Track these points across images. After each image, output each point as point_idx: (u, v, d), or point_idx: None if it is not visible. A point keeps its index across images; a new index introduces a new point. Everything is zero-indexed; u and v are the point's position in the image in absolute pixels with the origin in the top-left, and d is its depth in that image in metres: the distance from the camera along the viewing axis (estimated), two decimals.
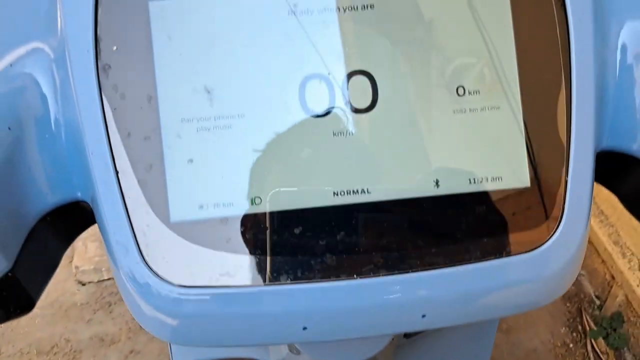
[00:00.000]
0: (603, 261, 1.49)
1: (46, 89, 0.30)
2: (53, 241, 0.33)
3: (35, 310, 1.59)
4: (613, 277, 1.44)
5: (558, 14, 0.30)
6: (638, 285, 1.35)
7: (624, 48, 0.31)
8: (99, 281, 1.62)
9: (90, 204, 0.31)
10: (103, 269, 1.59)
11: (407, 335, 0.72)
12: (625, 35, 0.30)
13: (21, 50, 0.30)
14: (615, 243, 1.43)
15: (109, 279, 1.61)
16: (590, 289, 1.52)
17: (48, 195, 0.31)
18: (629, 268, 1.39)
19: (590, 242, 1.54)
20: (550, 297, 0.31)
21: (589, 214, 0.30)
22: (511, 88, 0.30)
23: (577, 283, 1.53)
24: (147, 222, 0.29)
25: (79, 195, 0.31)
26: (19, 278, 0.30)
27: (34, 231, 0.31)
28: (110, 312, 1.55)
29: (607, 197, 1.48)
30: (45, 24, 0.30)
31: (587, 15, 0.29)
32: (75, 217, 0.33)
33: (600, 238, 1.48)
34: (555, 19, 0.30)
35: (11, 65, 0.29)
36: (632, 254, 1.39)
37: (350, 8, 0.29)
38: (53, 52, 0.30)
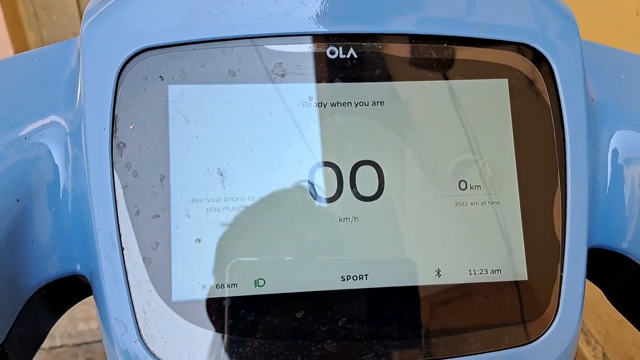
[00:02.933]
0: None
1: (59, 161, 0.30)
2: (44, 314, 0.33)
3: None
4: None
5: (555, 122, 0.32)
6: None
7: (614, 154, 0.33)
8: (50, 348, 1.55)
9: (89, 278, 0.31)
10: (56, 335, 1.53)
11: None
12: (615, 142, 0.33)
13: (38, 122, 0.30)
14: (580, 330, 1.45)
15: (61, 346, 1.55)
16: None
17: (48, 267, 0.30)
18: (593, 356, 1.40)
19: None
20: None
21: (581, 309, 0.31)
22: (510, 186, 0.31)
23: None
24: (149, 300, 0.28)
25: (78, 268, 0.31)
26: (7, 353, 0.29)
27: (27, 304, 0.30)
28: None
29: None
30: (64, 97, 0.31)
31: (582, 123, 0.32)
32: (69, 290, 0.32)
33: None
34: (553, 125, 0.32)
35: (25, 138, 0.30)
36: (597, 342, 1.40)
37: (361, 104, 0.31)
38: (69, 126, 0.30)
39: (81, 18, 0.32)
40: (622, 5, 1.18)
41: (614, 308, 0.39)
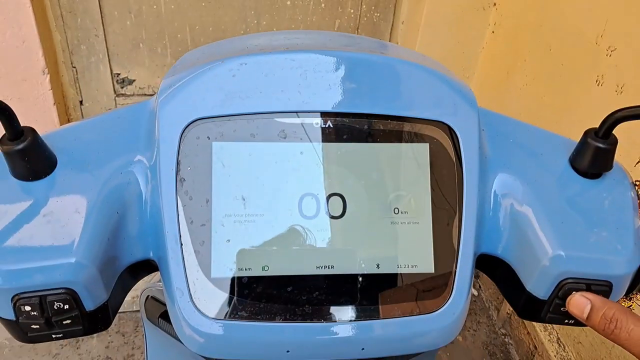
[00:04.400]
0: (528, 332, 1.65)
1: (142, 186, 0.46)
2: (127, 282, 0.49)
3: (4, 341, 1.64)
4: (536, 347, 1.60)
5: (457, 171, 0.48)
6: (555, 355, 1.52)
7: (495, 190, 0.50)
8: None
9: (157, 262, 0.47)
10: None
11: None
12: (497, 182, 0.50)
13: (129, 159, 0.47)
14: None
15: None
16: (516, 357, 1.68)
17: (133, 254, 0.47)
18: (549, 340, 1.55)
19: None
20: (447, 340, 0.48)
21: (468, 293, 0.47)
22: (426, 212, 0.47)
23: (506, 351, 1.69)
24: (197, 277, 0.44)
25: (151, 255, 0.47)
26: (108, 305, 0.46)
27: (119, 276, 0.47)
28: (77, 348, 1.62)
29: None
30: (145, 143, 0.47)
31: (475, 171, 0.48)
32: (143, 268, 0.49)
33: None
34: (455, 173, 0.48)
35: (121, 172, 0.46)
36: (552, 328, 1.55)
37: (334, 156, 0.47)
38: (148, 162, 0.46)
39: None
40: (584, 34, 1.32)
41: None
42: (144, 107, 0.50)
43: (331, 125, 0.47)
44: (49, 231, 0.43)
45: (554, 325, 1.54)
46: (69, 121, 1.77)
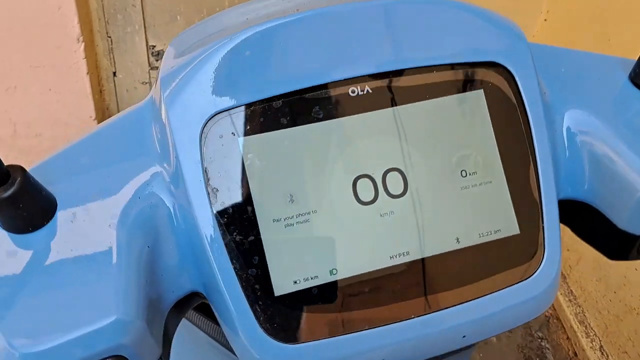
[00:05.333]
0: (568, 338, 1.58)
1: (169, 204, 0.39)
2: (174, 324, 0.42)
3: None
4: (576, 354, 1.53)
5: (521, 115, 0.42)
6: None
7: (567, 129, 0.45)
8: None
9: (204, 292, 0.40)
10: None
11: None
12: (565, 118, 0.45)
13: (145, 176, 0.39)
14: (581, 322, 1.53)
15: None
16: None
17: (178, 287, 0.40)
18: (591, 347, 1.49)
19: (557, 318, 1.64)
20: (541, 310, 0.43)
21: (560, 247, 0.42)
22: (496, 167, 0.42)
23: (542, 355, 1.62)
24: (260, 300, 0.38)
25: (195, 287, 0.40)
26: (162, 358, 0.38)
27: (166, 320, 0.40)
28: None
29: (577, 279, 1.58)
30: (159, 153, 0.39)
31: (540, 112, 0.42)
32: (188, 303, 0.42)
33: (567, 316, 1.57)
34: (520, 118, 0.42)
35: (139, 197, 0.38)
36: (595, 334, 1.49)
37: (382, 126, 0.40)
38: (167, 174, 0.39)
39: None
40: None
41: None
42: (145, 108, 0.42)
43: (370, 91, 0.40)
44: (72, 292, 0.34)
45: (597, 332, 1.47)
46: (101, 93, 1.74)
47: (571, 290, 1.60)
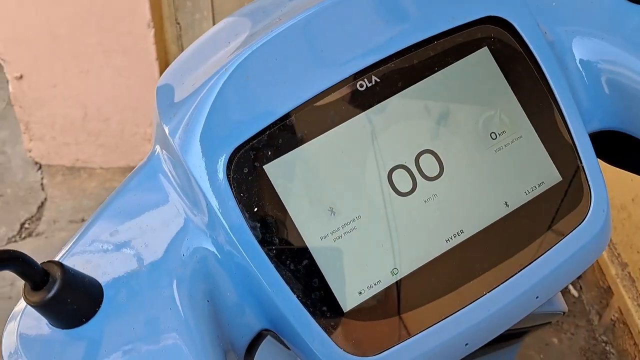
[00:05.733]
0: (635, 344, 1.52)
1: (214, 251, 0.38)
2: None
3: None
4: None
5: (531, 61, 0.42)
6: None
7: (581, 61, 0.44)
8: None
9: (273, 328, 0.40)
10: None
11: None
12: (575, 52, 0.44)
13: (181, 230, 0.39)
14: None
15: None
16: None
17: (247, 330, 0.39)
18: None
19: (624, 323, 1.58)
20: (602, 249, 0.43)
21: (603, 180, 0.42)
22: (522, 120, 0.41)
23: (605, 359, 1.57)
24: (331, 322, 0.37)
25: (262, 325, 0.40)
26: None
27: None
28: None
29: None
30: (189, 203, 0.39)
31: (548, 53, 0.42)
32: (257, 341, 0.41)
33: (635, 321, 1.51)
34: (531, 65, 0.42)
35: (183, 255, 0.38)
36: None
37: (397, 112, 0.39)
38: (203, 223, 0.38)
39: None
40: None
41: None
42: (151, 165, 0.41)
43: (378, 80, 0.39)
44: None
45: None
46: None
47: None
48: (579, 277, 1.79)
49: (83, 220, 1.76)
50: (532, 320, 0.62)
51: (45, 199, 1.83)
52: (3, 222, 1.76)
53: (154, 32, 1.59)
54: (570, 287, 1.74)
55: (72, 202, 1.82)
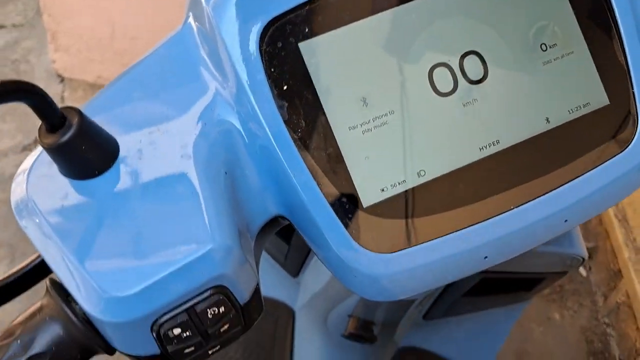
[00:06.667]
0: (638, 328, 1.51)
1: (237, 124, 0.36)
2: (260, 251, 0.40)
3: None
4: None
5: None
6: None
7: None
8: None
9: (288, 215, 0.38)
10: None
11: (425, 317, 0.78)
12: None
13: (207, 100, 0.36)
14: None
15: None
16: (617, 351, 1.55)
17: (263, 211, 0.38)
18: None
19: (629, 306, 1.56)
20: None
21: None
22: (576, 35, 0.39)
23: (605, 342, 1.56)
24: (349, 214, 0.36)
25: (279, 210, 0.38)
26: (258, 286, 0.37)
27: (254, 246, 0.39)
28: None
29: None
30: (217, 73, 0.37)
31: None
32: (271, 228, 0.40)
33: None
34: None
35: (205, 123, 0.36)
36: None
37: (448, 8, 0.37)
38: (230, 95, 0.36)
39: None
40: None
41: None
42: (184, 34, 0.39)
43: None
44: (158, 228, 0.33)
45: None
46: None
47: None
48: (590, 258, 1.77)
49: None
50: (550, 264, 0.60)
51: None
52: (20, 130, 1.76)
53: None
54: (580, 267, 1.72)
55: None
